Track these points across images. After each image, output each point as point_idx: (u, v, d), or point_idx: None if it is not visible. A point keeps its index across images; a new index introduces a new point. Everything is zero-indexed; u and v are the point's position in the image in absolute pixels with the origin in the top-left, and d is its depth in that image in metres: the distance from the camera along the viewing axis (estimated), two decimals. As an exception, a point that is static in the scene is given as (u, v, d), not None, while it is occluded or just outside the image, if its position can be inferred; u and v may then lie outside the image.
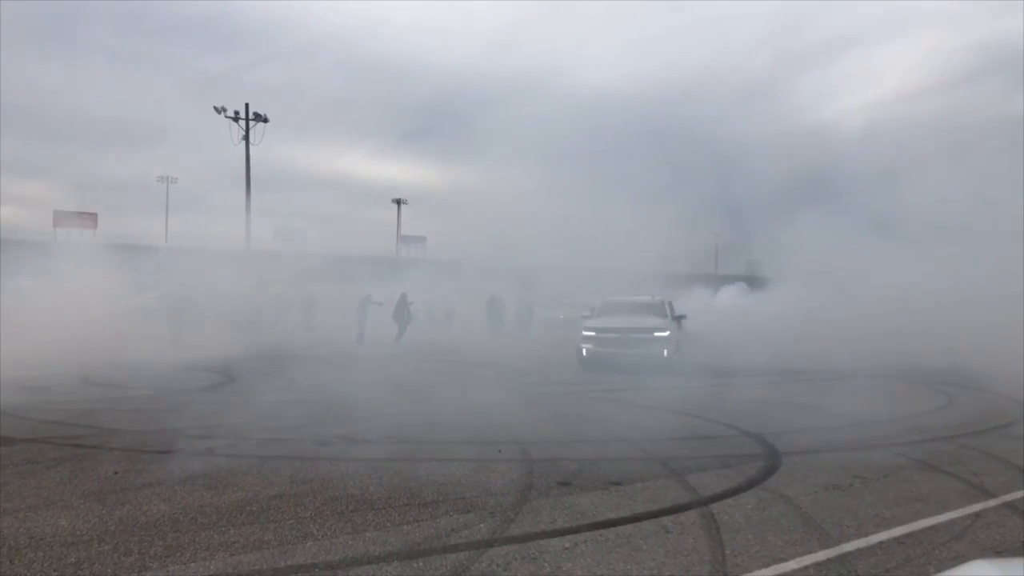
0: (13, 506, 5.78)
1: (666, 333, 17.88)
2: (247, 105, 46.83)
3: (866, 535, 5.36)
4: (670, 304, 19.89)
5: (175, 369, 16.45)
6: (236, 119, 46.57)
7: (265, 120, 47.00)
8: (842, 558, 4.88)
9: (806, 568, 4.69)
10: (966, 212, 21.69)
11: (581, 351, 17.99)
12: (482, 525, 5.45)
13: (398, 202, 75.33)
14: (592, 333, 17.93)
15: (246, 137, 46.53)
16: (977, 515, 5.91)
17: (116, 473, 6.85)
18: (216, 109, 45.93)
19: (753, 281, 27.92)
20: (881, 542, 5.22)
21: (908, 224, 23.45)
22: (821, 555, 4.92)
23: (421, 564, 4.64)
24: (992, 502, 6.30)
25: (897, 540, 5.28)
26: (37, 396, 11.99)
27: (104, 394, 12.64)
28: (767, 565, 4.71)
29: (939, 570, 4.63)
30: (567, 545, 5.03)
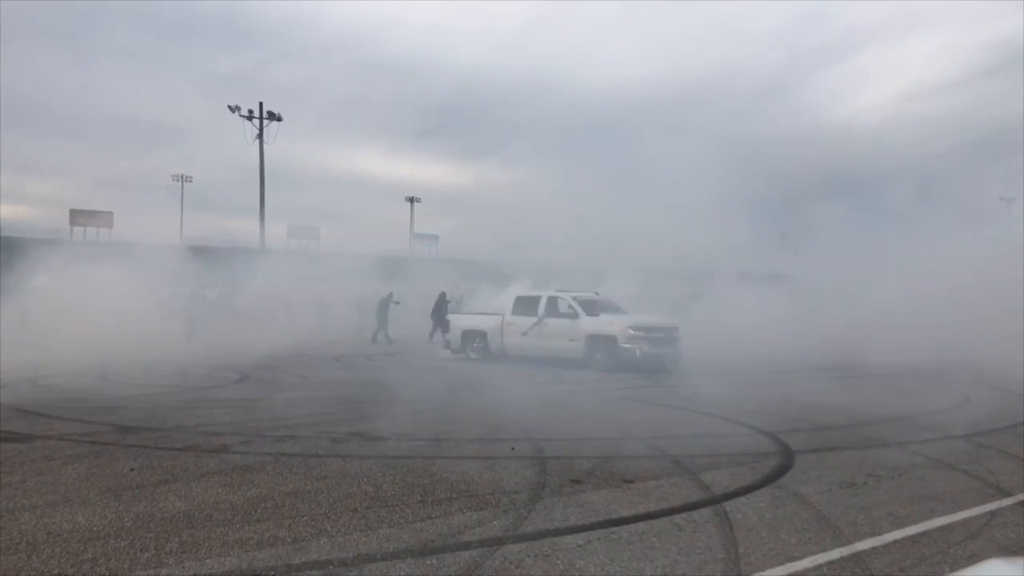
0: (31, 502, 5.84)
1: None
2: (261, 104, 47.14)
3: (880, 533, 5.33)
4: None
5: (190, 367, 16.56)
6: (250, 118, 46.85)
7: (279, 119, 47.28)
8: (856, 556, 4.86)
9: (820, 567, 4.67)
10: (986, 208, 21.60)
11: (633, 351, 17.03)
12: (495, 522, 5.46)
13: (411, 200, 75.58)
14: (641, 333, 17.21)
15: (260, 136, 46.78)
16: (993, 514, 5.87)
17: (132, 470, 6.91)
18: (230, 108, 46.24)
19: (774, 278, 27.64)
20: (895, 540, 5.19)
21: (928, 219, 23.32)
22: (835, 553, 4.90)
23: (434, 561, 4.66)
24: (1008, 501, 6.26)
25: (912, 539, 5.25)
26: (54, 393, 12.11)
27: (121, 391, 12.73)
28: (780, 563, 4.69)
29: (954, 569, 4.61)
30: (580, 543, 5.03)
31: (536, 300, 19.15)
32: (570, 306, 18.45)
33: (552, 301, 18.86)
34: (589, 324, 17.97)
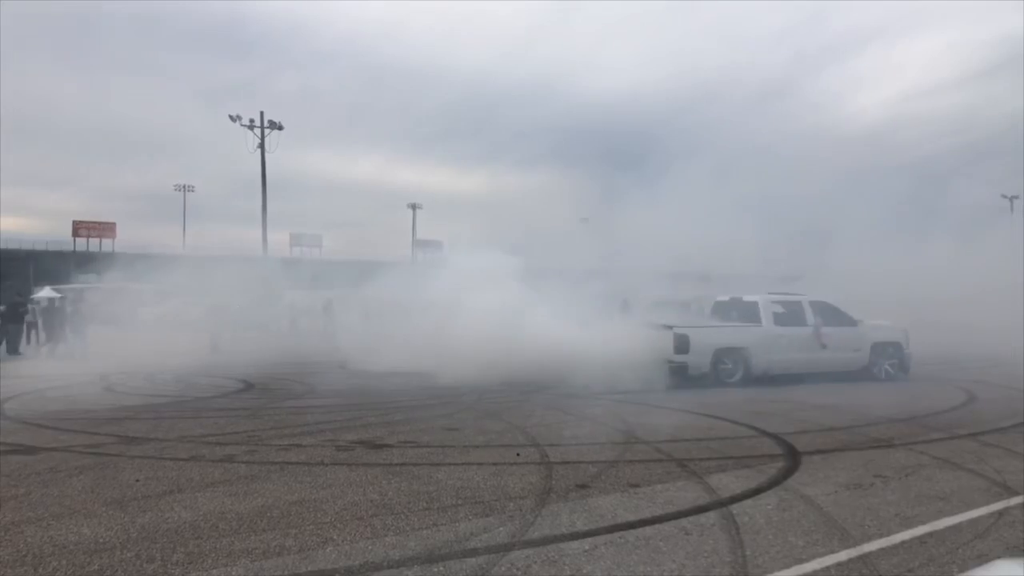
0: (36, 514, 5.84)
1: None
2: (262, 113, 47.29)
3: (888, 534, 5.32)
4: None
5: (196, 376, 16.56)
6: (251, 127, 46.98)
7: (280, 128, 47.43)
8: (864, 558, 4.85)
9: (827, 568, 4.66)
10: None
11: (911, 356, 16.44)
12: (502, 529, 5.45)
13: (413, 207, 75.85)
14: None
15: (261, 145, 46.93)
16: (1000, 513, 5.85)
17: (138, 481, 6.91)
18: (231, 117, 46.41)
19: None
20: (903, 541, 5.18)
21: (935, 219, 23.33)
22: (843, 555, 4.89)
23: (441, 568, 4.65)
24: (1015, 500, 6.24)
25: (920, 539, 5.23)
26: (59, 405, 12.11)
27: (126, 402, 12.73)
28: (788, 566, 4.68)
29: (963, 569, 4.60)
30: (587, 548, 5.02)
31: (798, 306, 15.99)
32: (842, 312, 16.12)
33: (823, 307, 16.08)
34: (872, 331, 16.25)
